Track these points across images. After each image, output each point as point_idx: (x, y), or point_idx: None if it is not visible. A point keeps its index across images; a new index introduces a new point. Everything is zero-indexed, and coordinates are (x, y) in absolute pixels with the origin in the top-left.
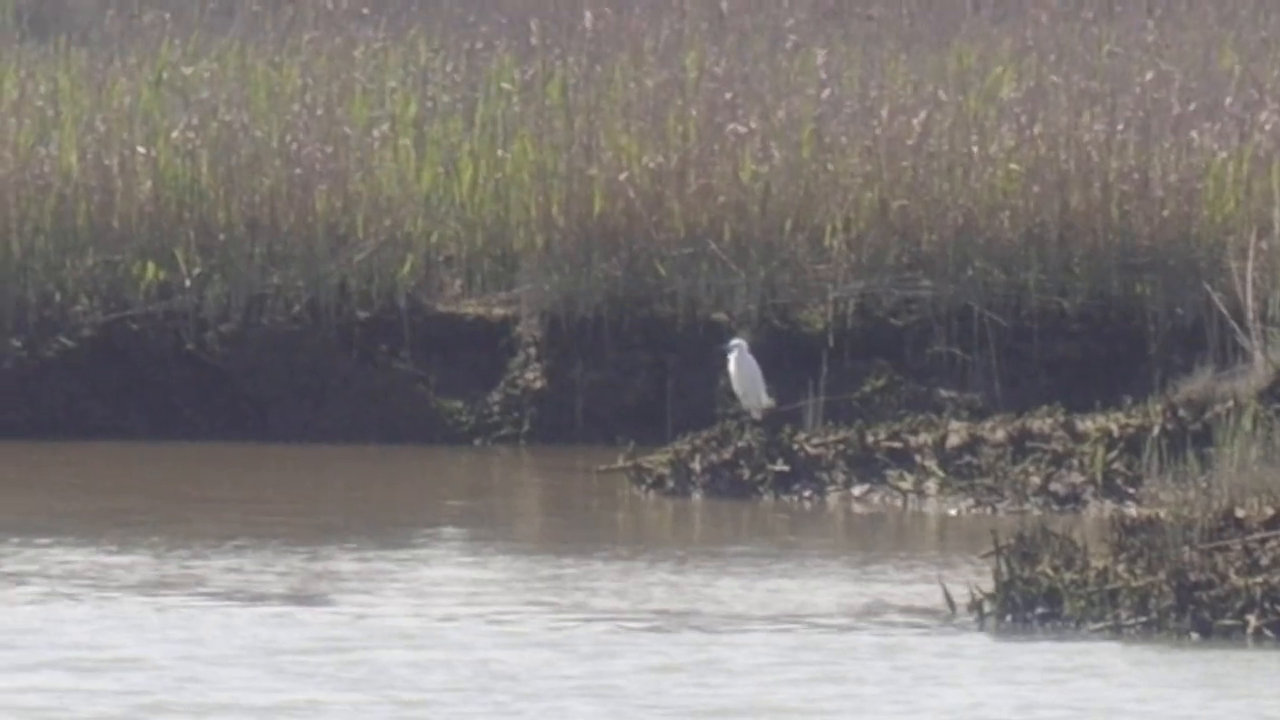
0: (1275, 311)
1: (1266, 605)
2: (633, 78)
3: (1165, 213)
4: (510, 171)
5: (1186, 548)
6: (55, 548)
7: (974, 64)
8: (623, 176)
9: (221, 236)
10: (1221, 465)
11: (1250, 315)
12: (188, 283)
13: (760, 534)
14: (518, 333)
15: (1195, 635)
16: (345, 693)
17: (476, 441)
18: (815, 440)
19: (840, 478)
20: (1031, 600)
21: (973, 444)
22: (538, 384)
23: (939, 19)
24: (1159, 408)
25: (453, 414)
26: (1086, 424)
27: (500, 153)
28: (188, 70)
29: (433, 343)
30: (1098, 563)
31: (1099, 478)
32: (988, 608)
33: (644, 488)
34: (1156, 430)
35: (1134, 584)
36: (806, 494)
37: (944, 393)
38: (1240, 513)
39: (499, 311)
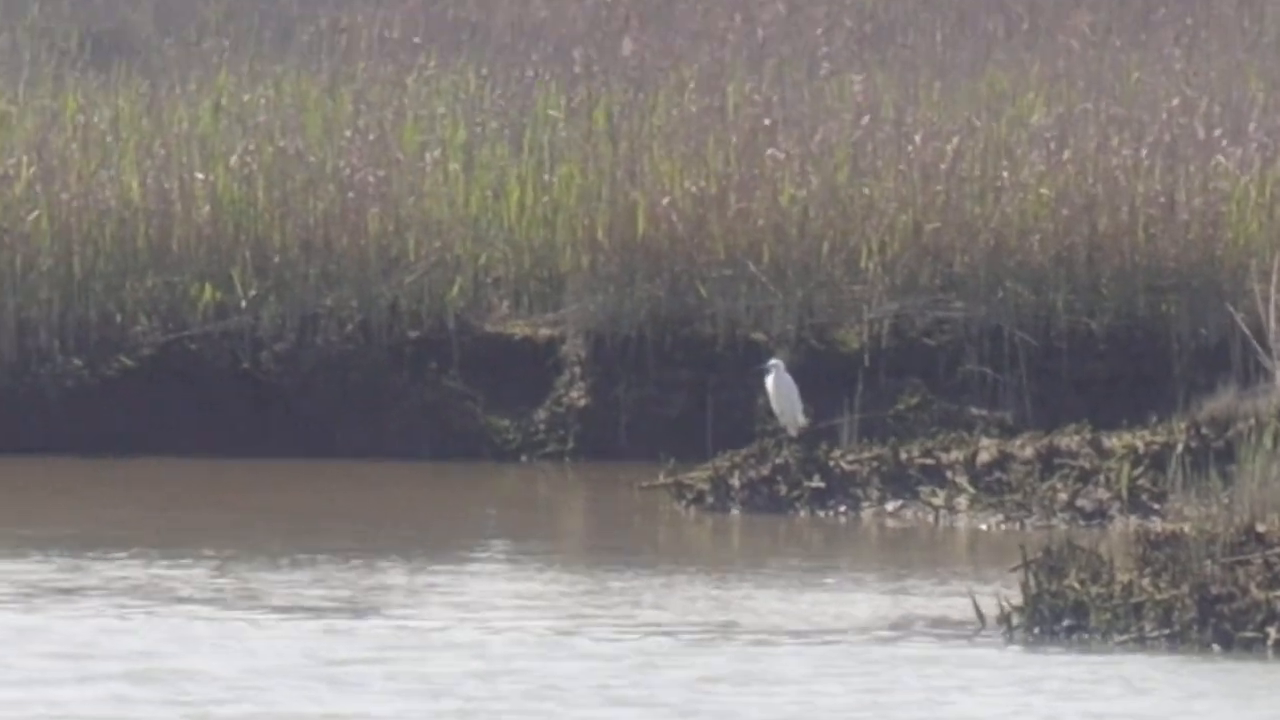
0: None
1: None
2: (675, 105)
3: (1190, 236)
4: (557, 195)
5: (1209, 562)
6: (115, 562)
7: (1006, 90)
8: (665, 200)
9: (277, 258)
10: (1243, 482)
11: (1272, 336)
12: (244, 303)
13: (797, 548)
14: (563, 352)
15: (1217, 647)
16: (394, 703)
17: (523, 458)
18: (850, 457)
19: (874, 494)
20: (1059, 613)
21: (1003, 461)
22: (582, 402)
23: (972, 47)
24: (1183, 426)
25: (500, 431)
26: (1113, 441)
27: (547, 177)
28: (245, 97)
29: (481, 362)
30: (1123, 577)
31: (1125, 494)
32: (1016, 620)
33: (684, 503)
34: (1181, 447)
35: (1158, 597)
36: (842, 509)
37: (975, 411)
38: (1261, 528)
39: (545, 331)
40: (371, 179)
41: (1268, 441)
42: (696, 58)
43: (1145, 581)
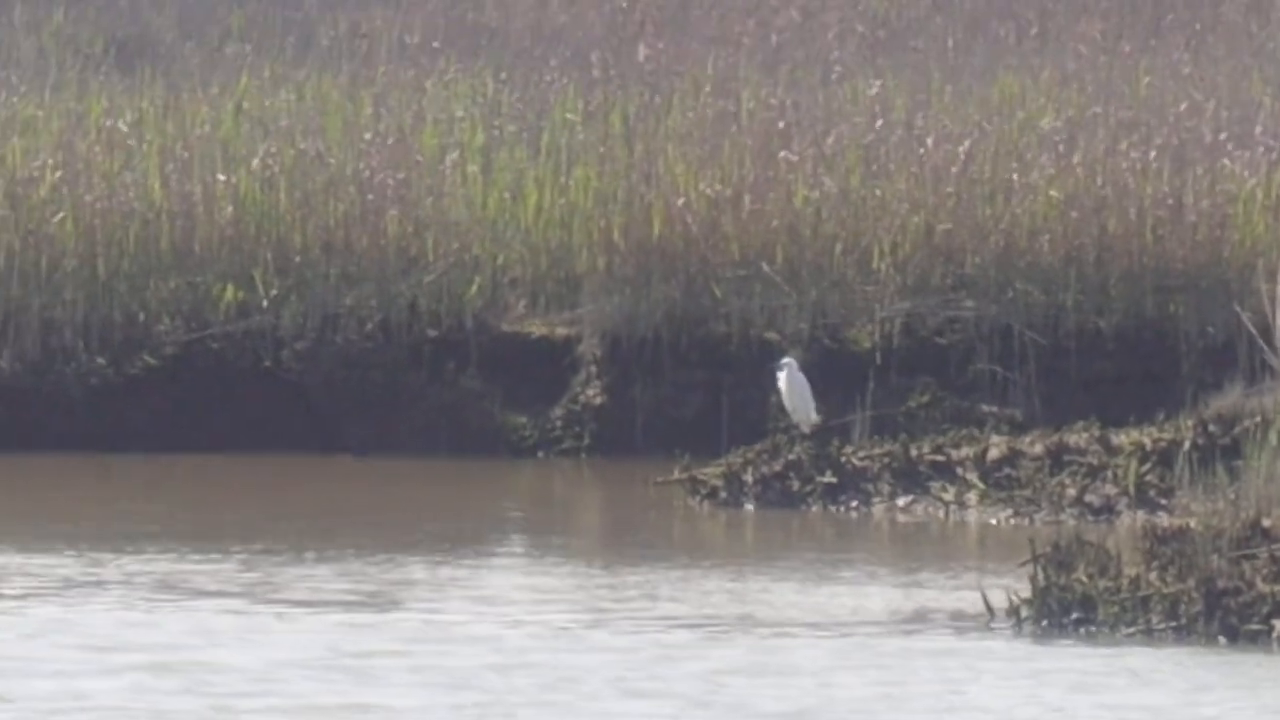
0: None
1: None
2: (690, 108)
3: (1198, 237)
4: (573, 197)
5: (1215, 556)
6: (139, 556)
7: (1016, 95)
8: (680, 202)
9: (298, 259)
10: (1249, 478)
11: (1278, 335)
12: (265, 303)
13: (810, 543)
14: (580, 351)
15: (1223, 639)
16: (415, 695)
17: (540, 454)
18: (862, 453)
19: (886, 489)
20: (1067, 606)
21: (1012, 457)
22: (598, 400)
23: (983, 52)
24: (1190, 423)
25: (517, 428)
26: (1121, 438)
27: (563, 179)
28: (266, 101)
29: (498, 360)
30: (1130, 570)
31: (1132, 489)
32: (1025, 613)
33: (699, 499)
34: (1188, 444)
35: (1165, 591)
36: (853, 505)
37: (985, 408)
38: (1267, 523)
39: (562, 331)
40: (391, 181)
41: (1273, 438)
42: (711, 62)
43: (1152, 575)
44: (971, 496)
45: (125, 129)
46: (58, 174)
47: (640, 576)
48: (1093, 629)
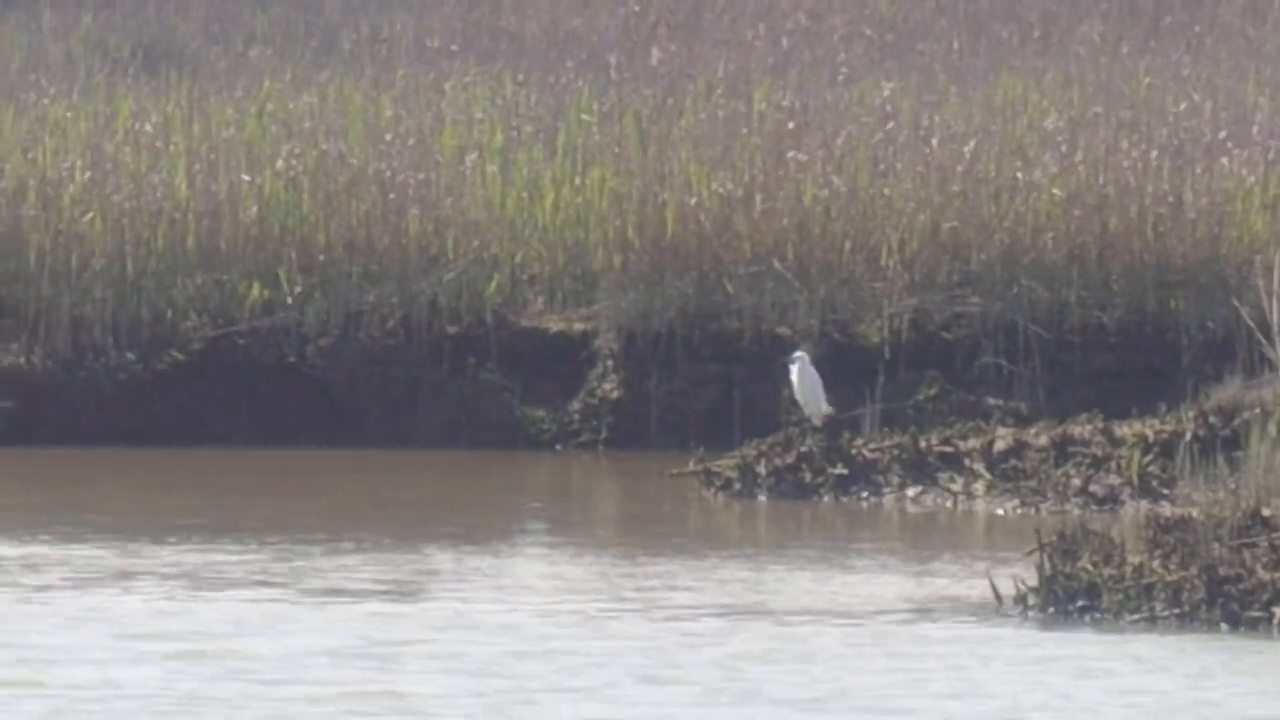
0: None
1: None
2: (702, 110)
3: (1197, 234)
4: (589, 197)
5: (1217, 545)
6: (168, 547)
7: (1019, 96)
8: (693, 201)
9: (321, 257)
10: (1249, 468)
11: (1276, 329)
12: (290, 300)
13: (822, 533)
14: (596, 346)
15: (1225, 626)
16: (438, 682)
17: (558, 447)
18: (872, 445)
19: (895, 480)
20: (1072, 594)
21: (1018, 449)
22: (615, 394)
23: (987, 54)
24: (1191, 415)
25: (536, 422)
26: (1124, 430)
27: (579, 179)
28: (290, 104)
29: (517, 355)
30: (1134, 559)
31: (1135, 480)
32: (1032, 601)
33: (713, 490)
34: (1189, 435)
35: (1168, 578)
36: (864, 495)
37: (991, 401)
38: (1267, 512)
39: (579, 326)
40: (412, 181)
41: (1272, 430)
42: (723, 65)
43: (1155, 563)
44: (979, 487)
45: (152, 131)
46: (87, 175)
47: (658, 566)
48: (1098, 616)
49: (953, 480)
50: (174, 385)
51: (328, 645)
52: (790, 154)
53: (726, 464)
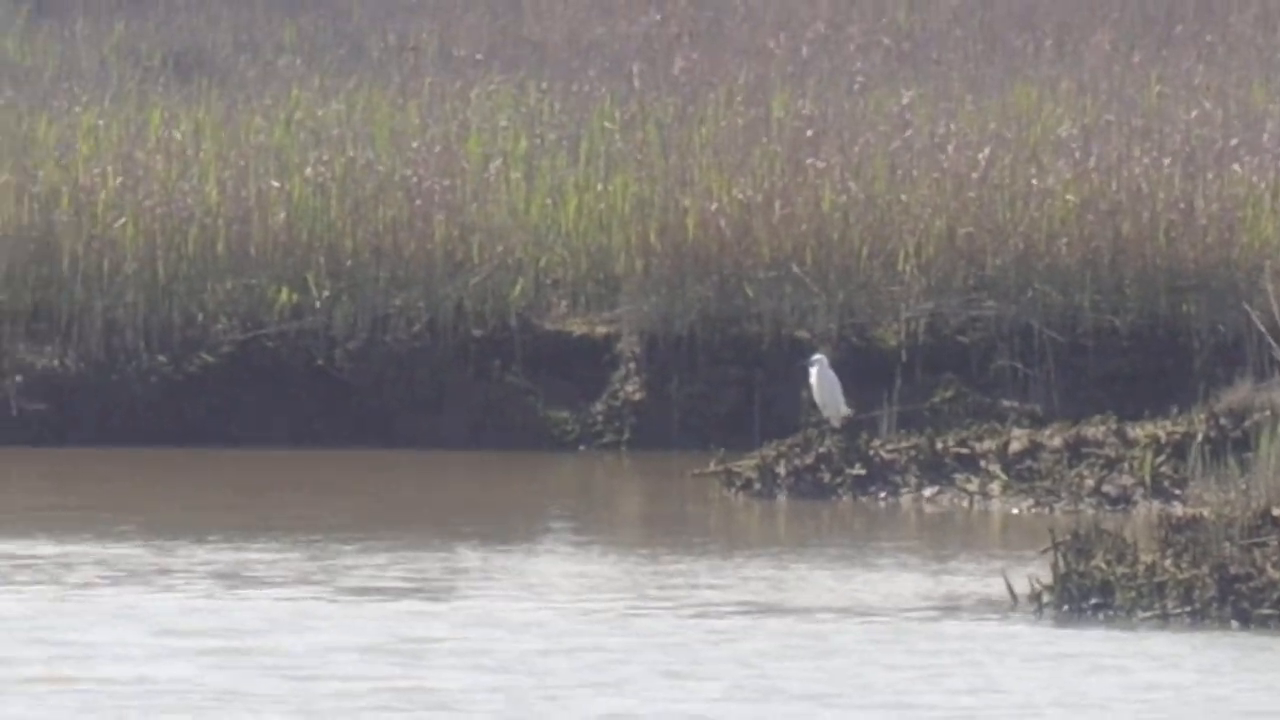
0: None
1: None
2: (723, 117)
3: (1208, 239)
4: (612, 202)
5: (1227, 544)
6: (199, 547)
7: (1034, 104)
8: (714, 207)
9: (349, 262)
10: (1260, 469)
11: None
12: (318, 304)
13: (841, 532)
14: (619, 349)
15: (1235, 623)
16: (465, 678)
17: (581, 448)
18: (889, 446)
19: (912, 480)
20: (1086, 592)
21: (1033, 450)
22: (637, 396)
23: (1002, 63)
24: (1202, 416)
25: (559, 423)
26: (1136, 431)
27: (602, 186)
28: (318, 111)
29: (541, 358)
30: (1146, 558)
31: (1148, 480)
32: (1046, 599)
33: (733, 490)
34: (1200, 437)
35: (1180, 577)
36: (882, 495)
37: (1006, 403)
38: (1277, 512)
39: (602, 330)
40: (438, 187)
41: None
42: (743, 74)
43: (1167, 562)
44: (994, 487)
45: (183, 138)
46: (119, 181)
47: (681, 564)
48: (1111, 613)
49: (969, 480)
50: (204, 387)
51: (358, 642)
52: (809, 161)
53: (747, 464)
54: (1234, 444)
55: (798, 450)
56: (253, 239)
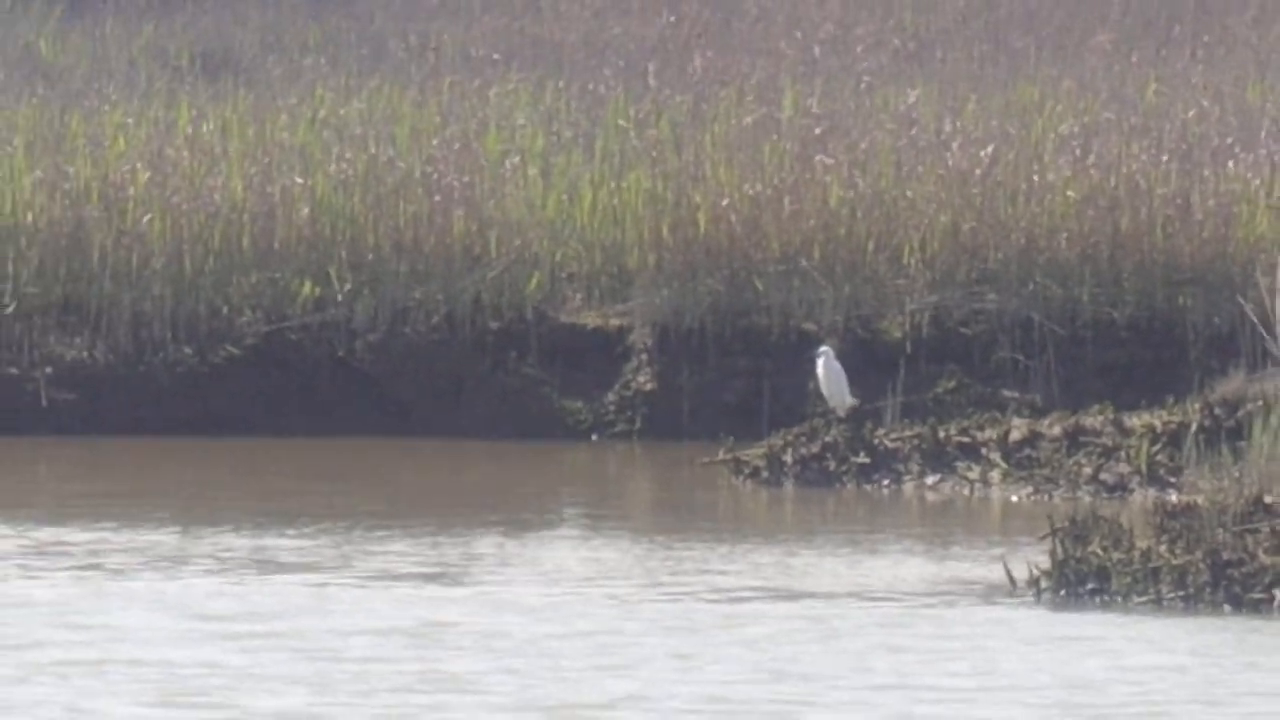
0: None
1: None
2: (734, 115)
3: (1205, 234)
4: (626, 198)
5: (1221, 530)
6: (223, 533)
7: (1035, 102)
8: (725, 203)
9: (370, 256)
10: (1252, 457)
11: (1278, 325)
12: (340, 297)
13: (846, 519)
14: (631, 341)
15: (1228, 607)
16: (481, 661)
17: (594, 437)
18: (893, 436)
19: (915, 469)
20: (1083, 577)
21: (1032, 439)
22: (649, 386)
23: (1005, 63)
24: (1197, 406)
25: (573, 413)
26: (1133, 421)
27: (616, 182)
28: (342, 110)
29: (556, 350)
30: (1142, 544)
31: (1144, 468)
32: (1045, 584)
33: (742, 478)
34: (1195, 426)
35: (1174, 562)
36: (885, 483)
37: (1007, 394)
38: (1269, 499)
39: (615, 322)
40: (457, 184)
41: (1275, 421)
42: (754, 73)
43: (1162, 548)
44: (995, 475)
45: (210, 136)
46: (147, 177)
47: (691, 550)
48: (1107, 598)
49: (970, 469)
50: (229, 378)
51: (377, 625)
52: (817, 158)
53: (755, 453)
54: (1228, 433)
55: (804, 439)
56: (277, 234)
